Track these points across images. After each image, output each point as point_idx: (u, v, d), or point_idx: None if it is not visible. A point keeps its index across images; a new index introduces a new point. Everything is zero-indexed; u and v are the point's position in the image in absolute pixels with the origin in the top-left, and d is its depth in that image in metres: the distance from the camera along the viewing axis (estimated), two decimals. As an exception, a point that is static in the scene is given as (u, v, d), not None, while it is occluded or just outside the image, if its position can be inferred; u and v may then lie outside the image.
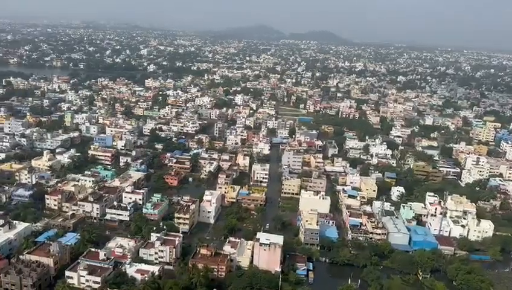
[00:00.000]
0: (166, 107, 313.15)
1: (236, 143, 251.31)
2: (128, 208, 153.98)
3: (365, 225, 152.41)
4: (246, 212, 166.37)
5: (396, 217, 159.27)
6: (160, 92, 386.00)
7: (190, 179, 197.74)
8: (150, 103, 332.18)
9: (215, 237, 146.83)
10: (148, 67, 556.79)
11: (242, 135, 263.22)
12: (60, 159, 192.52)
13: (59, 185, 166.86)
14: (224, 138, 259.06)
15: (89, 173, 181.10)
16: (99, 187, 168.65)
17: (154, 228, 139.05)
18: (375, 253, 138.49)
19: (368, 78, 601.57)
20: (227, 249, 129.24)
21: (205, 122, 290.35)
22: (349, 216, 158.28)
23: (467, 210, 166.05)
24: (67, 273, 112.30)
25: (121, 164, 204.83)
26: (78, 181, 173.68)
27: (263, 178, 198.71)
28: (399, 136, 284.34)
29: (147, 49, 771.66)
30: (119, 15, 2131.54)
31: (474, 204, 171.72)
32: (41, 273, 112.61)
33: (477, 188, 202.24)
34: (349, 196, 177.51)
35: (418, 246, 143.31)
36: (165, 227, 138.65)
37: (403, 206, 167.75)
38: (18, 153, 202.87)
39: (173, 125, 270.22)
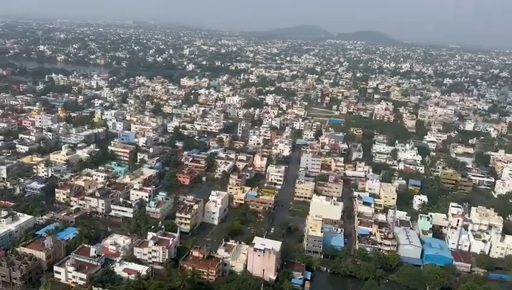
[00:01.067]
0: (194, 105, 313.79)
1: (258, 143, 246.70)
2: (133, 205, 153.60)
3: (375, 234, 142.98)
4: (253, 214, 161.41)
5: (411, 228, 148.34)
6: (193, 91, 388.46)
7: (203, 179, 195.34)
8: (180, 101, 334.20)
9: (216, 239, 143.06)
10: (187, 67, 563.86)
11: (265, 136, 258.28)
12: (78, 154, 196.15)
13: (72, 179, 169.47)
14: (246, 138, 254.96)
15: (103, 168, 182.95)
16: (109, 183, 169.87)
17: (152, 227, 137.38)
18: (382, 265, 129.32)
19: (412, 79, 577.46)
20: (221, 252, 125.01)
21: (231, 121, 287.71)
22: (359, 224, 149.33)
23: (492, 224, 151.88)
24: (55, 268, 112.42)
25: (138, 160, 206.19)
26: (91, 176, 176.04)
27: (278, 180, 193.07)
28: (433, 142, 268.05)
29: (189, 48, 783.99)
30: (170, 16, 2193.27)
31: (501, 218, 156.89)
32: (31, 267, 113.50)
33: (511, 201, 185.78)
34: (364, 203, 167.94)
35: (430, 260, 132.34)
36: (163, 226, 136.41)
37: (421, 216, 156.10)
38: (41, 146, 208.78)
39: (197, 124, 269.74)
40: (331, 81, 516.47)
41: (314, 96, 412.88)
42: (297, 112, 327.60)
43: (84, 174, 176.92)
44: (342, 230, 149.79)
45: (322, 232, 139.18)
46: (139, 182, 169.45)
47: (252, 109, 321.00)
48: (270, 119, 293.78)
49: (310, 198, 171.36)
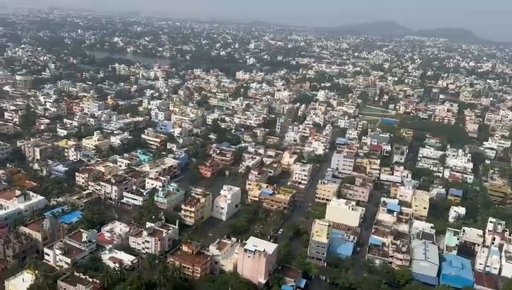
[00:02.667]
0: (238, 99, 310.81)
1: (294, 140, 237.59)
2: (144, 194, 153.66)
3: (388, 246, 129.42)
4: (264, 213, 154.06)
5: (433, 243, 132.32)
6: (245, 85, 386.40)
7: (226, 172, 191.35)
8: (228, 94, 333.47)
9: (218, 235, 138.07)
10: (247, 61, 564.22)
11: (304, 132, 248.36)
12: (107, 140, 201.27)
13: (96, 164, 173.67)
14: (284, 134, 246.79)
15: (127, 155, 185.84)
16: (129, 170, 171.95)
17: (153, 217, 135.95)
18: (389, 281, 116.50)
19: (489, 80, 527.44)
20: (212, 250, 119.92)
21: (273, 116, 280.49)
22: (373, 233, 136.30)
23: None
24: (45, 250, 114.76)
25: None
26: (115, 163, 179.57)
27: (302, 179, 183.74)
28: (492, 149, 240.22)
29: (255, 43, 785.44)
30: (247, 11, 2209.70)
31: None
32: (26, 246, 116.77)
33: None
34: (388, 211, 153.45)
35: (446, 280, 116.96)
36: (162, 217, 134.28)
37: (448, 229, 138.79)
38: (80, 131, 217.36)
39: (237, 117, 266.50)
40: (396, 78, 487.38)
41: (371, 94, 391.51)
42: (347, 110, 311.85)
43: (110, 161, 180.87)
44: (354, 238, 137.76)
45: (328, 238, 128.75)
46: (156, 171, 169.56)
47: (298, 104, 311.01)
48: (314, 116, 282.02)
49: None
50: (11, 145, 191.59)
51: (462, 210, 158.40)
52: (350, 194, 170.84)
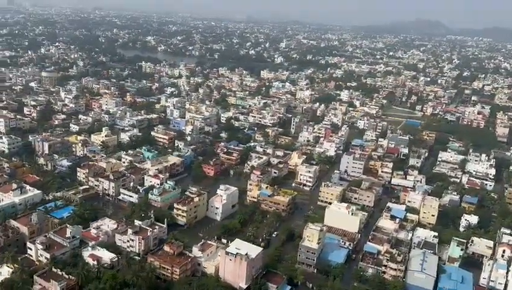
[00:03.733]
0: (256, 97, 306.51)
1: (308, 140, 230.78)
2: (140, 191, 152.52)
3: (384, 254, 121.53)
4: (261, 215, 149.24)
5: (434, 253, 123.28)
6: (267, 83, 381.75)
7: (231, 172, 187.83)
8: (247, 92, 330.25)
9: (209, 235, 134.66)
10: (275, 60, 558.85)
11: (319, 133, 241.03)
12: (115, 137, 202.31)
13: (100, 160, 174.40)
14: (298, 134, 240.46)
15: (132, 152, 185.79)
16: (130, 167, 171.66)
17: (142, 215, 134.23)
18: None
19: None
20: (195, 251, 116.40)
21: (290, 116, 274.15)
22: (370, 240, 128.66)
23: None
24: (28, 244, 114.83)
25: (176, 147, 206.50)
26: (120, 159, 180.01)
27: (307, 181, 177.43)
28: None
29: (287, 42, 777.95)
30: (284, 11, 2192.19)
31: None
32: (11, 240, 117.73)
33: None
34: (391, 217, 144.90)
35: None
36: (151, 216, 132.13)
37: (453, 239, 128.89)
38: (93, 127, 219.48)
39: (252, 116, 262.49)
40: (428, 79, 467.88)
41: (399, 94, 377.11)
42: (368, 110, 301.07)
43: (115, 157, 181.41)
44: (350, 244, 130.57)
45: (319, 243, 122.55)
46: (156, 169, 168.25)
47: (318, 104, 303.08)
48: (332, 116, 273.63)
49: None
50: (23, 139, 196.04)
51: (474, 219, 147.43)
52: (355, 198, 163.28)
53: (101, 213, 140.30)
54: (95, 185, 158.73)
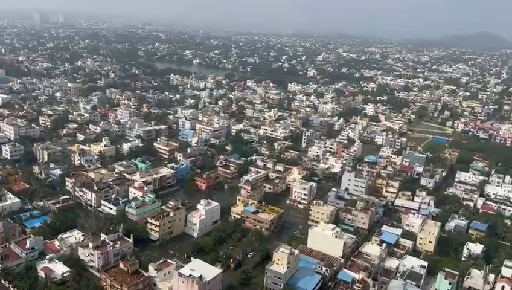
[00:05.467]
0: (272, 110, 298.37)
1: (317, 155, 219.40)
2: (120, 203, 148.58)
3: (360, 283, 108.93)
4: (241, 233, 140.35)
5: (417, 285, 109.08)
6: (292, 96, 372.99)
7: (225, 186, 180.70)
8: (266, 105, 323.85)
9: (180, 253, 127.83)
10: (308, 73, 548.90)
11: (331, 148, 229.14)
12: (113, 147, 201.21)
13: (89, 170, 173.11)
14: (307, 149, 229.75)
15: (125, 163, 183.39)
16: (120, 177, 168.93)
17: (111, 228, 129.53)
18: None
19: None
20: (150, 270, 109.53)
21: (304, 129, 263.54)
22: (347, 267, 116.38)
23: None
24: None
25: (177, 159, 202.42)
26: (113, 169, 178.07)
27: (302, 198, 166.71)
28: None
29: (325, 55, 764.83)
30: (333, 24, 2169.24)
31: None
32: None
33: None
34: (381, 241, 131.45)
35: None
36: (119, 229, 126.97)
37: (443, 271, 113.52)
38: (98, 137, 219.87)
39: (264, 129, 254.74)
40: (468, 94, 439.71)
41: (431, 109, 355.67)
42: (391, 125, 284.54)
43: (108, 167, 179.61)
44: (327, 270, 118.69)
45: (288, 267, 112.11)
46: (144, 181, 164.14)
47: (336, 118, 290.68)
48: (349, 131, 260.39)
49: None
50: (26, 147, 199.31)
51: (478, 248, 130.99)
52: (349, 219, 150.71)
53: (77, 224, 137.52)
54: (80, 196, 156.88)
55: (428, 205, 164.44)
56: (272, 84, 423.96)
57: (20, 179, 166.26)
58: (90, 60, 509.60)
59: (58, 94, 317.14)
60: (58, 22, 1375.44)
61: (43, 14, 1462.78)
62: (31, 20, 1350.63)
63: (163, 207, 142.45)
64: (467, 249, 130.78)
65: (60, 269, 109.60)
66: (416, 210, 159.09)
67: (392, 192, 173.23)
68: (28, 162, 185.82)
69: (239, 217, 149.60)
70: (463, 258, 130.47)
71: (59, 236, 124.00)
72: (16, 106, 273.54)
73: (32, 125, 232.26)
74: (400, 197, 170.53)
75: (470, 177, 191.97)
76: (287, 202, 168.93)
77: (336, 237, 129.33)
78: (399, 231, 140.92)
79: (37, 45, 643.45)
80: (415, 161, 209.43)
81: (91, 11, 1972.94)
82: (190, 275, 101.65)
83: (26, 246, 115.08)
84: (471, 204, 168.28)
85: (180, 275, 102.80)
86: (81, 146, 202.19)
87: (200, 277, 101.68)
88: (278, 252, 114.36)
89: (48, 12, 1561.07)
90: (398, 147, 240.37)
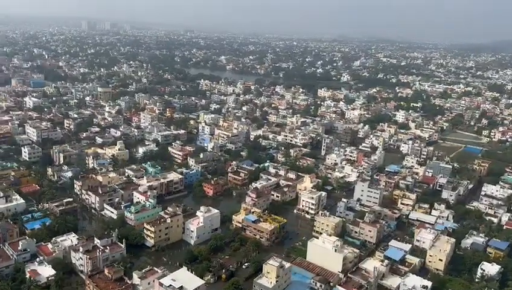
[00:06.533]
0: (295, 116, 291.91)
1: (335, 163, 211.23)
2: (122, 207, 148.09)
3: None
4: (241, 242, 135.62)
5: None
6: (320, 102, 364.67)
7: (234, 193, 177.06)
8: (290, 111, 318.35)
9: (173, 261, 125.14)
10: (341, 78, 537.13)
11: (350, 156, 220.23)
12: (126, 151, 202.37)
13: (99, 174, 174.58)
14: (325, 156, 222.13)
15: (135, 167, 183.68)
16: (128, 181, 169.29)
17: (105, 233, 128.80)
18: None
19: None
20: (134, 278, 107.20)
21: (326, 136, 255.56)
22: (341, 284, 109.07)
23: None
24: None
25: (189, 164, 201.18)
26: (123, 173, 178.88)
27: (310, 208, 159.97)
28: None
29: (362, 60, 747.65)
30: (378, 29, 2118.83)
31: None
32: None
33: None
34: (385, 257, 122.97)
35: None
36: (113, 235, 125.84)
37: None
38: (114, 141, 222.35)
39: (283, 135, 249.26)
40: (510, 101, 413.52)
41: (468, 117, 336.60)
42: (421, 133, 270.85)
43: (118, 171, 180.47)
44: (322, 286, 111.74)
45: (277, 281, 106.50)
46: (150, 185, 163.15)
47: (361, 124, 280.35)
48: (373, 138, 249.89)
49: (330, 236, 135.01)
50: (46, 149, 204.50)
51: (494, 268, 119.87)
52: (356, 232, 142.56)
53: (78, 227, 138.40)
54: (86, 199, 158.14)
55: (447, 219, 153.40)
56: (301, 89, 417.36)
57: (33, 180, 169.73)
58: (126, 65, 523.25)
59: (88, 98, 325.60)
60: (104, 29, 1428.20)
61: (91, 21, 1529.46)
62: (79, 27, 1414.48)
63: (161, 213, 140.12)
64: (481, 269, 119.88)
65: (47, 272, 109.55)
66: (431, 224, 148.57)
67: (407, 204, 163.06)
68: (44, 164, 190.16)
69: (240, 225, 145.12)
70: (476, 279, 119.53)
71: (53, 239, 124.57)
72: (45, 109, 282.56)
73: (57, 128, 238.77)
74: (416, 210, 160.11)
75: (497, 191, 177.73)
76: (295, 211, 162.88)
77: (335, 250, 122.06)
78: (408, 247, 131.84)
79: (79, 51, 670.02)
80: (440, 171, 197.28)
81: (138, 19, 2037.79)
82: (170, 285, 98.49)
83: (19, 248, 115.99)
84: (495, 220, 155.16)
85: (161, 284, 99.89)
86: (97, 149, 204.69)
87: (181, 287, 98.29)
88: (267, 264, 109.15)
89: (96, 20, 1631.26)
90: (424, 157, 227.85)
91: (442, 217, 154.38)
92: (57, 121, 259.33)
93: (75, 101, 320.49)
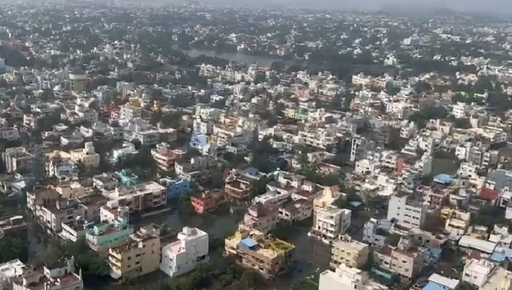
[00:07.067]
0: (319, 110, 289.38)
1: (367, 172, 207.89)
2: (84, 228, 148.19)
3: None
4: (235, 274, 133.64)
5: None
6: (355, 92, 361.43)
7: (231, 209, 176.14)
8: (314, 103, 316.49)
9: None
10: (385, 61, 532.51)
11: (388, 162, 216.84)
12: (97, 155, 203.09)
13: (58, 184, 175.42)
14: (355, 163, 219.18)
15: (106, 176, 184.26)
16: (94, 194, 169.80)
17: (59, 261, 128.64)
18: None
19: None
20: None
21: (358, 136, 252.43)
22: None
23: None
24: None
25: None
26: (91, 184, 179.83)
27: (327, 230, 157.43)
28: None
29: (414, 37, 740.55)
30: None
31: None
32: None
33: None
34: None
35: None
36: (67, 263, 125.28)
37: None
38: (83, 141, 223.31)
39: (301, 135, 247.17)
40: None
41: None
42: (484, 134, 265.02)
43: (84, 181, 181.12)
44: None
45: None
46: (122, 199, 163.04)
47: (406, 121, 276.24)
48: (420, 139, 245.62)
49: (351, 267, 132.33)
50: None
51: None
52: (386, 263, 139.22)
53: (28, 253, 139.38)
54: (40, 216, 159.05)
55: (510, 247, 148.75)
56: (331, 75, 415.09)
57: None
58: (109, 46, 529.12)
59: (56, 88, 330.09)
60: (86, 0, 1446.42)
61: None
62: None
63: (132, 235, 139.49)
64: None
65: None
66: (488, 253, 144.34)
67: (458, 226, 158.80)
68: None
69: (234, 252, 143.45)
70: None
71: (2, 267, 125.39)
72: (1, 102, 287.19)
73: (13, 125, 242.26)
74: (469, 234, 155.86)
75: None
76: (309, 234, 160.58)
77: (355, 286, 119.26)
78: (454, 283, 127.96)
79: (52, 28, 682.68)
80: (505, 183, 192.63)
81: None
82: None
83: None
84: None
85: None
86: (61, 153, 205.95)
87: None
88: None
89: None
90: (486, 164, 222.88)
91: (504, 243, 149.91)
92: (15, 116, 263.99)
93: (40, 91, 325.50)
